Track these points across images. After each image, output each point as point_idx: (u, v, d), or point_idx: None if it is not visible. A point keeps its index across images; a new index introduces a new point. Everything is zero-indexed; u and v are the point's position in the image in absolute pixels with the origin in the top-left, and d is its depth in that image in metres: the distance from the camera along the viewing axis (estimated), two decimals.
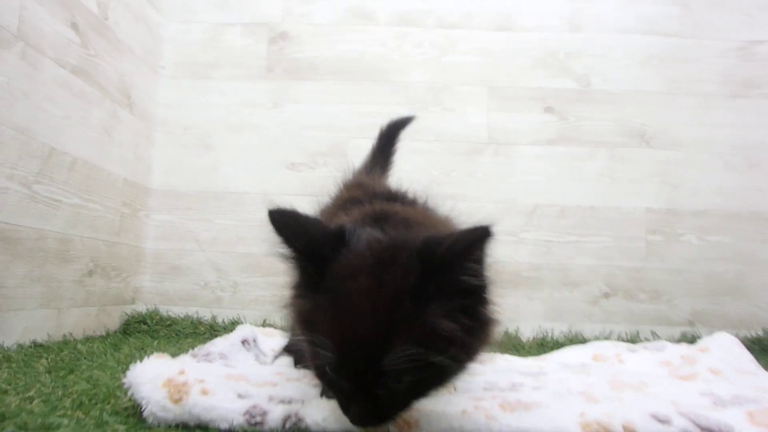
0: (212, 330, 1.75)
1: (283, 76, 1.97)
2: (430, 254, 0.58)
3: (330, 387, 0.63)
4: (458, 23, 1.99)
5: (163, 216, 1.91)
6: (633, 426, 0.61)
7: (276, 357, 1.08)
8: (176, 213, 1.91)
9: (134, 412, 0.73)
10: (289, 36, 1.99)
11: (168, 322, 1.77)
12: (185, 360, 0.93)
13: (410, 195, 0.87)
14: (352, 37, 1.98)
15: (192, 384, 0.71)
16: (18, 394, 0.80)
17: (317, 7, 2.00)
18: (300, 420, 0.67)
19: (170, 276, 1.89)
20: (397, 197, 0.82)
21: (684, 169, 1.90)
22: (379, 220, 0.68)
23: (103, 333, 1.64)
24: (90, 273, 1.57)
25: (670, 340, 1.37)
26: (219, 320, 1.81)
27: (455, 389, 0.91)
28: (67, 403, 0.77)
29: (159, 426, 0.68)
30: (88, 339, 1.49)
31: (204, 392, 0.70)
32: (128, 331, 1.71)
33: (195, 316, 1.82)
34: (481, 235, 0.56)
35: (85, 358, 1.17)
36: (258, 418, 0.67)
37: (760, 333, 1.76)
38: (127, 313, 1.78)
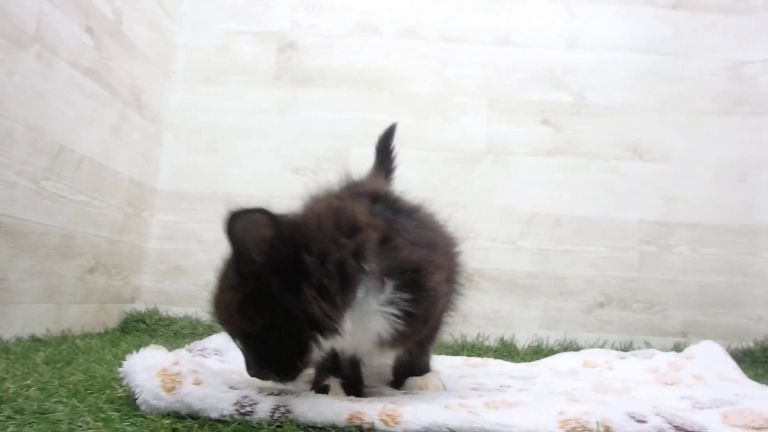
0: (211, 331, 1.76)
1: (290, 84, 2.02)
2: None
3: None
4: (460, 37, 2.04)
5: (168, 216, 1.95)
6: (609, 424, 0.62)
7: None
8: (181, 213, 1.95)
9: (128, 401, 0.75)
10: (297, 46, 2.04)
11: (167, 322, 1.79)
12: (180, 353, 0.95)
13: (399, 197, 0.89)
14: (358, 48, 2.03)
15: (186, 374, 0.73)
16: (15, 381, 0.82)
17: (325, 19, 2.05)
18: (288, 411, 0.68)
19: (171, 276, 1.91)
20: (379, 197, 0.83)
21: (677, 182, 1.93)
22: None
23: (102, 330, 1.66)
24: (91, 270, 1.59)
25: (663, 351, 1.38)
26: None
27: (444, 388, 0.92)
28: (64, 391, 0.79)
29: (152, 414, 0.70)
30: (86, 335, 1.51)
31: (197, 382, 0.72)
32: (126, 330, 1.73)
33: (194, 316, 1.84)
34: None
35: (82, 353, 1.19)
36: (248, 408, 0.69)
37: (751, 345, 1.77)
38: (126, 312, 1.80)
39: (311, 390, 0.81)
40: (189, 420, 0.69)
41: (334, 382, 0.82)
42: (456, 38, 2.04)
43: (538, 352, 1.69)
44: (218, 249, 0.78)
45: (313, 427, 0.67)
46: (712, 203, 1.92)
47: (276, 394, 0.72)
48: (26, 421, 0.64)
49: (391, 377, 0.98)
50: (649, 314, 1.87)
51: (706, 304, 1.87)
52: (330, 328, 0.68)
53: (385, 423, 0.67)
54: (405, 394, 0.88)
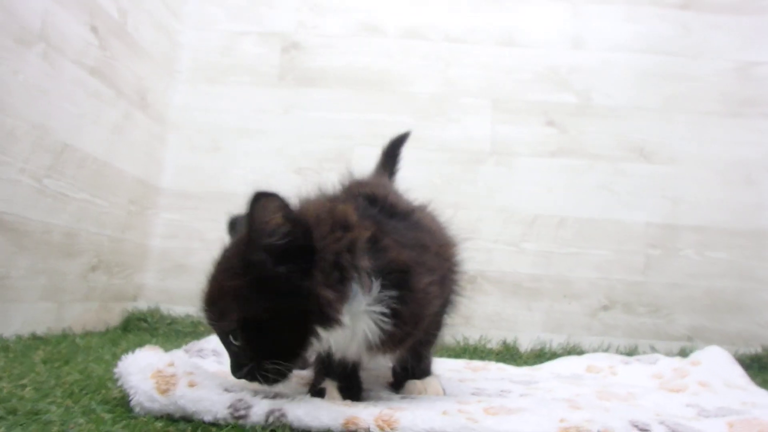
0: (211, 331, 1.76)
1: (293, 84, 2.01)
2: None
3: None
4: (463, 38, 2.02)
5: (171, 215, 1.95)
6: None
7: None
8: (185, 212, 1.95)
9: (122, 402, 0.74)
10: (301, 46, 2.03)
11: (168, 321, 1.79)
12: (177, 354, 0.94)
13: (399, 199, 0.88)
14: (361, 48, 2.02)
15: (180, 376, 0.72)
16: (11, 381, 0.82)
17: (329, 20, 2.05)
18: (283, 415, 0.67)
19: (174, 274, 1.91)
20: (377, 199, 0.83)
21: (682, 184, 1.91)
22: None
23: (103, 329, 1.66)
24: (93, 268, 1.59)
25: (668, 355, 1.36)
26: None
27: (444, 393, 0.91)
28: (59, 392, 0.78)
29: (145, 416, 0.69)
30: (87, 334, 1.51)
31: (191, 384, 0.71)
32: (128, 328, 1.73)
33: (196, 315, 1.84)
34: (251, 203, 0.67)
35: (82, 352, 1.18)
36: (242, 412, 0.68)
37: (759, 350, 1.75)
38: (128, 310, 1.80)
39: (308, 393, 0.80)
40: (182, 423, 0.68)
41: (330, 386, 0.82)
42: (459, 38, 2.03)
43: (541, 356, 1.68)
44: (221, 248, 0.78)
45: None
46: (719, 206, 1.89)
47: (271, 398, 0.71)
48: (18, 422, 0.64)
49: (391, 380, 0.97)
50: (655, 318, 1.85)
51: (713, 309, 1.84)
52: (333, 318, 0.69)
53: (381, 429, 0.66)
54: (403, 398, 0.87)
